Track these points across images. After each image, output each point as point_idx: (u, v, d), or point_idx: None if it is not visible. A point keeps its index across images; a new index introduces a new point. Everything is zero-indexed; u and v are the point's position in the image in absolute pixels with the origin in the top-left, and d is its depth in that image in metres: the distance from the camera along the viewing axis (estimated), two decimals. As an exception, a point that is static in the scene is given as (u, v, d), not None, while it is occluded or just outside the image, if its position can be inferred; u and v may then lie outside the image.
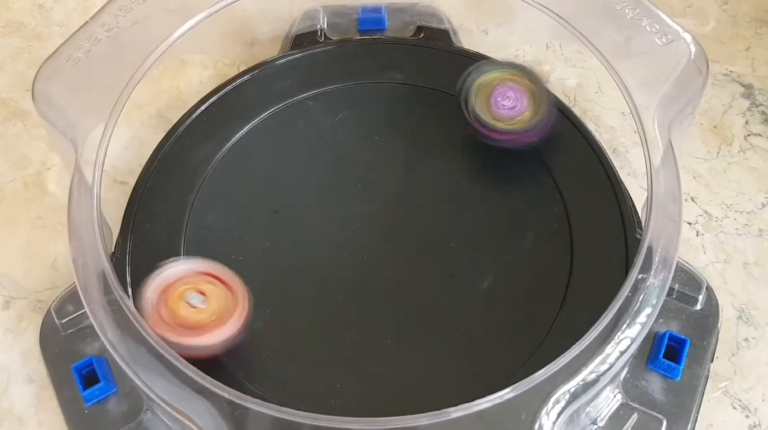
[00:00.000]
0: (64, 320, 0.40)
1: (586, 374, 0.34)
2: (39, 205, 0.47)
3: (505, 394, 0.33)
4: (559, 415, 0.33)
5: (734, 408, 0.40)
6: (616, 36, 0.42)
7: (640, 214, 0.42)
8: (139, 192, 0.43)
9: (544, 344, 0.38)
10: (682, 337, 0.39)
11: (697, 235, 0.45)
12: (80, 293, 0.35)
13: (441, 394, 0.35)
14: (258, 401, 0.33)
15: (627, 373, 0.38)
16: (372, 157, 0.45)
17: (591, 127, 0.47)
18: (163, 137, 0.45)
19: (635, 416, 0.37)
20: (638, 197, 0.42)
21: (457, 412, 0.32)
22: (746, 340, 0.42)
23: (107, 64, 0.42)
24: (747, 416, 0.40)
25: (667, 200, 0.37)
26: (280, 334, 0.39)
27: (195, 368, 0.33)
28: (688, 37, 0.42)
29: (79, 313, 0.40)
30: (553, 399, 0.33)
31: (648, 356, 0.39)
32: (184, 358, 0.33)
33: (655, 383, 0.38)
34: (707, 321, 0.40)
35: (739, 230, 0.45)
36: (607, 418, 0.37)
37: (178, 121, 0.46)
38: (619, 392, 0.38)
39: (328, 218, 0.43)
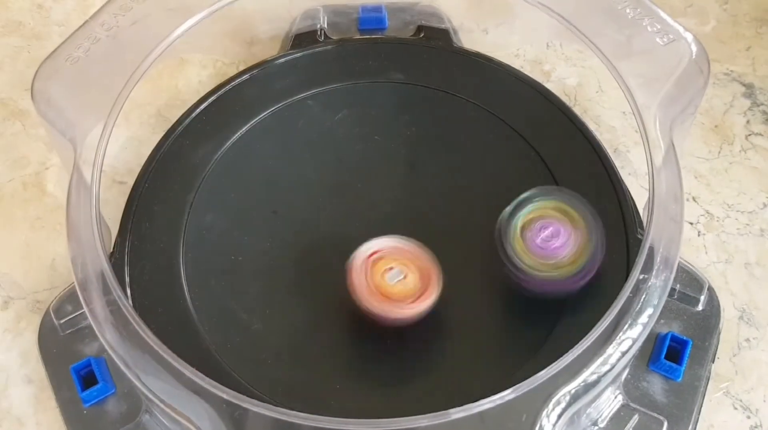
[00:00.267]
0: (62, 321, 0.40)
1: (587, 375, 0.33)
2: (38, 205, 0.47)
3: (506, 395, 0.32)
4: (560, 416, 0.33)
5: (735, 409, 0.40)
6: (617, 35, 0.42)
7: (641, 214, 0.42)
8: (138, 192, 0.43)
9: (545, 344, 0.38)
10: (685, 338, 0.39)
11: (699, 235, 0.45)
12: (79, 293, 0.35)
13: (441, 395, 0.34)
14: (257, 401, 0.32)
15: (628, 374, 0.38)
16: (372, 157, 0.45)
17: (592, 126, 0.47)
18: (162, 137, 0.45)
19: (636, 417, 0.37)
20: (639, 197, 0.42)
21: (457, 413, 0.32)
22: (747, 340, 0.42)
23: (106, 63, 0.42)
24: (748, 417, 0.40)
25: (668, 200, 0.37)
26: (280, 334, 0.39)
27: (193, 369, 0.33)
28: (689, 37, 0.42)
29: (77, 313, 0.40)
30: (554, 400, 0.33)
31: (649, 356, 0.39)
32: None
33: (656, 384, 0.38)
34: (708, 322, 0.40)
35: (741, 229, 0.45)
36: (608, 419, 0.37)
37: (177, 121, 0.46)
38: (620, 393, 0.38)
39: (327, 218, 0.43)
